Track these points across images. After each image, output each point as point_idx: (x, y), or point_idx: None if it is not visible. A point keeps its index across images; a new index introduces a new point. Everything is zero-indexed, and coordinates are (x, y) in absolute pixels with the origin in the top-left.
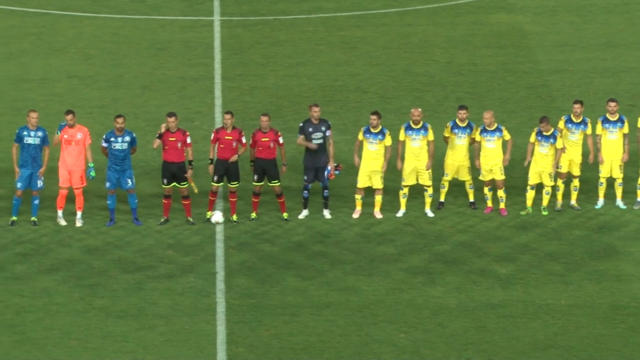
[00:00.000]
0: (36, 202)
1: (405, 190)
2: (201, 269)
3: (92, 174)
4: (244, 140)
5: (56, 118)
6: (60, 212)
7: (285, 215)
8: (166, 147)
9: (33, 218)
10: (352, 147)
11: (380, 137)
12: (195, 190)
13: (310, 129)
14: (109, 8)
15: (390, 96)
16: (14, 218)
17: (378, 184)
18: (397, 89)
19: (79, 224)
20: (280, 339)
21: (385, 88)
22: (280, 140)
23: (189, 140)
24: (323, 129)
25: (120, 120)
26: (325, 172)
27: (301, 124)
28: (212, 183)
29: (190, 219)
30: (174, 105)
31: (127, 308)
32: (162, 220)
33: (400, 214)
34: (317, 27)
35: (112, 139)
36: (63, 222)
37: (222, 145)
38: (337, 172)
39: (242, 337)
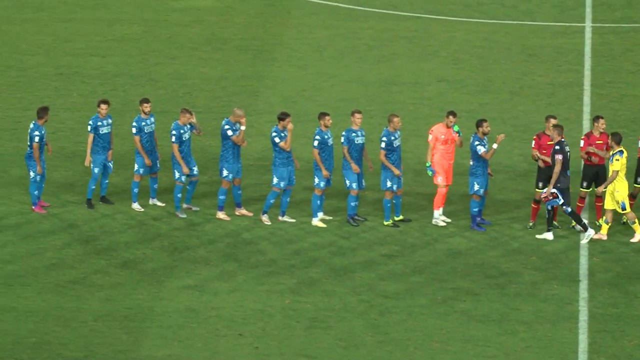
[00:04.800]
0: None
1: None
2: (564, 276)
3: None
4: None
5: (424, 121)
6: (436, 213)
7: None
8: (544, 151)
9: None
10: None
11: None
12: None
13: None
14: (481, 13)
15: None
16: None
17: None
18: None
19: (442, 223)
20: None
21: None
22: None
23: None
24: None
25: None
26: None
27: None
28: (581, 189)
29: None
30: (542, 112)
31: (489, 313)
32: (530, 224)
33: None
34: None
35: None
36: (441, 223)
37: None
38: (554, 201)
39: (604, 346)
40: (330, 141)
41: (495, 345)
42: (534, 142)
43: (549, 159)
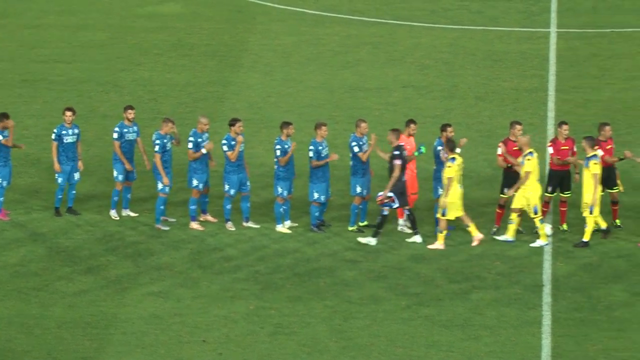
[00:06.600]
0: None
1: None
2: (528, 280)
3: (423, 149)
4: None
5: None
6: (401, 221)
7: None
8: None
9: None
10: None
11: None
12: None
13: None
14: (447, 19)
15: None
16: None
17: None
18: None
19: (408, 230)
20: (606, 354)
21: None
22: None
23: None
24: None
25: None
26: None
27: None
28: (545, 193)
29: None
30: (507, 117)
31: (453, 317)
32: (494, 229)
33: None
34: None
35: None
36: (407, 230)
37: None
38: (389, 204)
39: (568, 350)
40: (289, 150)
41: (458, 350)
42: (499, 148)
43: (516, 162)
